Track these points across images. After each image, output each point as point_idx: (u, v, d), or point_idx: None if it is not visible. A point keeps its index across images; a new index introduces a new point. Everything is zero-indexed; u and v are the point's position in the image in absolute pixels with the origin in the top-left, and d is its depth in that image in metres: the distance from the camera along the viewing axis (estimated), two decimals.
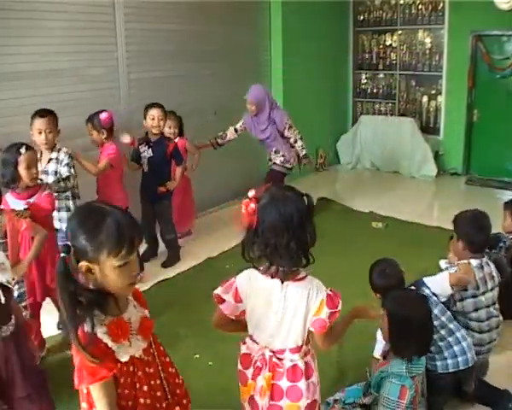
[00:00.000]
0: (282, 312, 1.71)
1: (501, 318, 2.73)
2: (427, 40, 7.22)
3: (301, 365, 1.76)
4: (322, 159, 7.60)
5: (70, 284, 1.39)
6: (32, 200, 2.87)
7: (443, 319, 2.47)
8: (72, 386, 1.46)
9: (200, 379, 2.72)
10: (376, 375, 2.19)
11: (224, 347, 2.84)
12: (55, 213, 3.28)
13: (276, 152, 4.99)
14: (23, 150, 2.80)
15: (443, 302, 2.55)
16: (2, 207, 2.58)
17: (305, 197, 1.69)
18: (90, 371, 1.38)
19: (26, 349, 2.20)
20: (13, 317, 2.13)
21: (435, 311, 2.45)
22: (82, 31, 4.32)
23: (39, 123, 3.29)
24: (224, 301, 1.77)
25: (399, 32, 7.46)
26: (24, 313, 2.66)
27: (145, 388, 1.53)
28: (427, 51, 7.24)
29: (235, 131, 5.06)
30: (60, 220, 3.42)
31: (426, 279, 2.59)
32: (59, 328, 3.24)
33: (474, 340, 2.57)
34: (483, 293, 2.64)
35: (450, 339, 2.44)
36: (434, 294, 2.53)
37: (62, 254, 1.40)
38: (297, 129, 5.01)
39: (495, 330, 2.68)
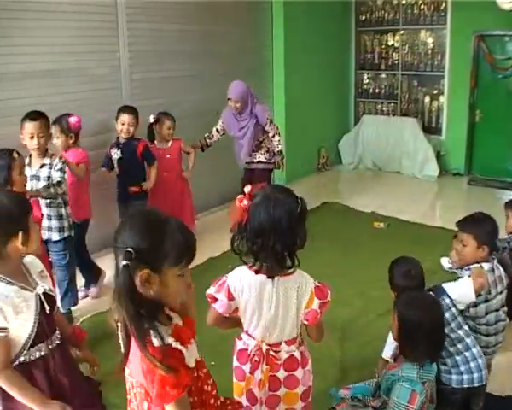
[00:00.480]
0: (275, 306, 1.77)
1: (507, 321, 2.71)
2: (430, 40, 7.22)
3: (297, 355, 1.83)
4: (324, 159, 7.59)
5: (135, 297, 1.29)
6: None
7: (460, 332, 2.39)
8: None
9: None
10: (387, 378, 2.13)
11: (225, 346, 2.83)
12: (45, 222, 3.14)
13: (258, 148, 4.91)
14: (16, 156, 2.72)
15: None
16: None
17: (299, 200, 1.72)
18: (174, 384, 1.29)
19: (73, 359, 2.07)
20: (57, 327, 1.98)
21: (452, 324, 2.36)
22: (84, 31, 4.33)
23: (31, 127, 3.11)
24: (217, 299, 1.83)
25: (401, 32, 7.46)
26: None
27: (208, 388, 1.52)
28: (430, 51, 7.24)
29: (217, 131, 5.01)
30: (49, 230, 3.22)
31: (446, 286, 2.45)
32: None
33: (481, 343, 2.53)
34: (494, 296, 2.59)
35: (467, 354, 2.36)
36: (454, 304, 2.40)
37: (125, 262, 1.27)
38: (276, 124, 4.99)
39: (501, 334, 2.66)
